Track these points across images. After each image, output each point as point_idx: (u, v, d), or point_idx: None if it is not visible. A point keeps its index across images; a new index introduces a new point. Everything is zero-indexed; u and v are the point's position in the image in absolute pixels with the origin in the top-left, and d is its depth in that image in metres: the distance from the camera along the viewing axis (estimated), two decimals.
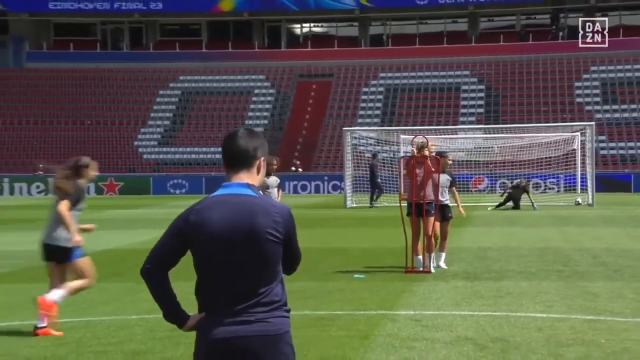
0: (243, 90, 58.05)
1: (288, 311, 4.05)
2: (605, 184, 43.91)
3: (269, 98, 57.56)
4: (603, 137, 51.05)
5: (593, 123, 35.39)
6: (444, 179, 14.43)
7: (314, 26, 64.47)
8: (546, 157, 38.76)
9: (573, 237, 19.61)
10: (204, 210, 3.92)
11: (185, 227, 3.93)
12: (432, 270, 13.92)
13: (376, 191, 32.88)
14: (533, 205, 29.39)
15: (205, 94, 57.86)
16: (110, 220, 26.16)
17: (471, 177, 42.62)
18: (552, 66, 56.79)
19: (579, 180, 38.20)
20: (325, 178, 46.21)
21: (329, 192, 44.85)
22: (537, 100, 54.41)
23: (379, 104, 55.89)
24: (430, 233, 13.95)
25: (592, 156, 33.10)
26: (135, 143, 54.20)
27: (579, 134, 37.07)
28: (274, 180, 15.20)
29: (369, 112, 55.14)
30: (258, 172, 4.07)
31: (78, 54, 61.10)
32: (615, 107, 53.40)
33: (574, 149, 37.89)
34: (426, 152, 14.16)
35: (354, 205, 32.72)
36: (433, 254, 14.30)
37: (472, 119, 53.81)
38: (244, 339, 3.85)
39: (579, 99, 54.37)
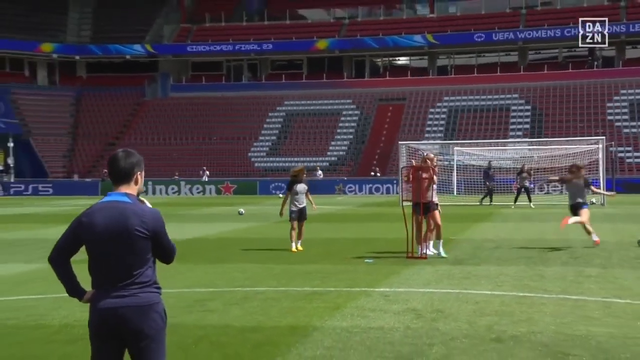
0: (334, 111, 58.26)
1: (158, 288, 4.20)
2: (628, 187, 42.53)
3: (354, 118, 57.65)
4: (630, 148, 49.48)
5: (604, 137, 34.26)
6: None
7: (392, 60, 64.26)
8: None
9: (566, 231, 18.76)
10: (91, 214, 4.14)
11: (78, 227, 4.16)
12: (431, 253, 14.00)
13: (486, 192, 32.23)
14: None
15: (304, 115, 58.29)
16: (218, 215, 26.83)
17: (513, 181, 41.82)
18: (588, 90, 55.16)
19: (607, 184, 37.14)
20: (395, 182, 45.83)
21: (397, 193, 44.67)
22: (574, 118, 52.96)
23: (442, 122, 55.36)
24: (439, 223, 14.02)
25: (603, 164, 32.06)
26: (249, 154, 55.19)
27: (603, 146, 36.06)
28: (302, 187, 15.07)
29: (434, 129, 54.70)
30: (136, 183, 4.25)
31: (208, 85, 62.63)
32: None
33: (598, 158, 36.92)
34: (428, 163, 14.18)
35: (407, 204, 32.47)
36: (431, 242, 14.36)
37: (520, 133, 52.77)
38: (123, 308, 4.03)
39: (609, 117, 52.59)
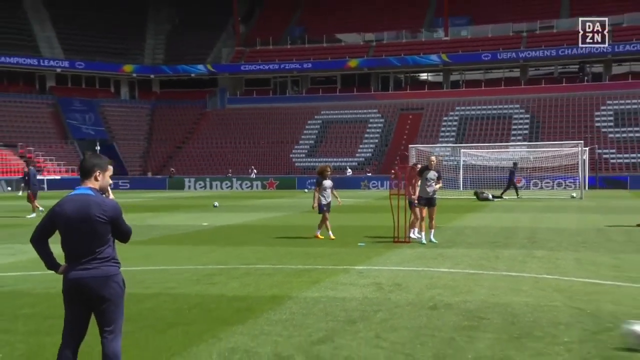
0: (362, 120, 58.09)
1: (117, 263, 4.33)
2: (609, 183, 41.77)
3: (379, 125, 57.41)
4: (613, 151, 48.41)
5: (582, 141, 33.56)
6: (433, 174, 13.68)
7: (412, 76, 63.74)
8: (568, 165, 37.20)
9: (538, 220, 18.45)
10: (62, 205, 4.29)
11: (52, 215, 4.31)
12: (414, 237, 13.80)
13: (511, 187, 31.77)
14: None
15: (338, 123, 58.19)
16: (257, 206, 27.00)
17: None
18: (579, 101, 54.10)
19: (592, 181, 36.53)
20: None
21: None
22: (567, 125, 52.03)
23: (454, 128, 54.84)
24: (434, 217, 13.73)
25: (582, 164, 31.45)
26: (291, 155, 55.45)
27: (587, 149, 35.33)
28: (329, 182, 14.60)
29: (447, 134, 54.21)
30: (96, 179, 4.37)
31: (259, 98, 63.02)
32: (623, 129, 50.32)
33: (582, 159, 36.20)
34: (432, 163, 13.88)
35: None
36: (416, 229, 14.26)
37: (520, 138, 51.95)
38: (87, 278, 4.22)
39: (597, 124, 51.52)
